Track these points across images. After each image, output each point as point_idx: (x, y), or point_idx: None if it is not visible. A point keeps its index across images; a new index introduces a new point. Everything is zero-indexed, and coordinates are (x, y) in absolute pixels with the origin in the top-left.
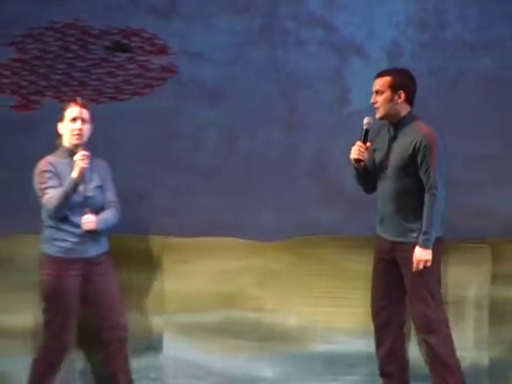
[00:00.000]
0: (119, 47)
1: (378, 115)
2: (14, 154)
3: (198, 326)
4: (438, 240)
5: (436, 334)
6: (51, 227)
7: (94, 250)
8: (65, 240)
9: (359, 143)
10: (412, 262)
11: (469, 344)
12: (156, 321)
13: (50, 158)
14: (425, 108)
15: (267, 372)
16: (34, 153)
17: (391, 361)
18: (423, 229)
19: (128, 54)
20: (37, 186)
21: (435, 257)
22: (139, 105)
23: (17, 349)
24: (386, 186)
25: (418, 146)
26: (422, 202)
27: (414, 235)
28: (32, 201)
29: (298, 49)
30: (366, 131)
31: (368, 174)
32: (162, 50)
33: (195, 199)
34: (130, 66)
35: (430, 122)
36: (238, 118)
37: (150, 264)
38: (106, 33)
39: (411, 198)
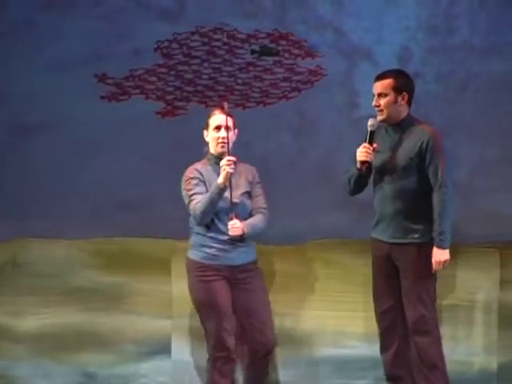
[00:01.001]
0: (266, 51)
1: (380, 118)
2: (17, 159)
3: None
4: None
5: (429, 335)
6: (198, 234)
7: (241, 258)
8: (211, 247)
9: (366, 145)
10: (412, 263)
11: (478, 349)
12: (164, 324)
13: (197, 165)
14: (434, 112)
15: (277, 376)
16: (34, 157)
17: (399, 364)
18: (438, 229)
19: (275, 58)
20: (184, 192)
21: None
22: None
23: (23, 353)
24: (388, 186)
25: (425, 145)
26: (425, 203)
27: (416, 236)
28: (37, 205)
29: (249, 67)
30: (372, 133)
31: (368, 176)
32: (310, 53)
33: None
34: (277, 70)
35: (439, 127)
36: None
37: (158, 268)
38: (253, 37)
39: (414, 198)
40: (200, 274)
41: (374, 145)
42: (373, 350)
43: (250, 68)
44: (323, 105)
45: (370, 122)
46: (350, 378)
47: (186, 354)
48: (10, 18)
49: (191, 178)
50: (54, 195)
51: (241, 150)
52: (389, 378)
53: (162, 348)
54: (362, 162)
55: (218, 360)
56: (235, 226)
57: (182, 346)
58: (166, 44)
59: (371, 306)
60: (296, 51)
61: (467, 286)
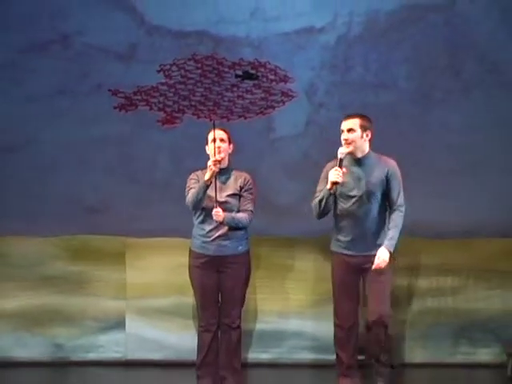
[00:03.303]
0: (248, 76)
1: (348, 150)
2: (0, 173)
3: (154, 309)
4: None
5: (387, 328)
6: (195, 225)
7: (226, 249)
8: (198, 238)
9: (338, 168)
10: (384, 269)
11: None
12: (120, 305)
13: (197, 171)
14: (335, 137)
15: None
16: (15, 171)
17: (354, 362)
18: (392, 236)
19: (255, 82)
20: (185, 190)
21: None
22: (113, 131)
23: (5, 327)
24: (359, 210)
25: (390, 174)
26: (386, 220)
27: None
28: (17, 209)
29: (233, 88)
30: (341, 160)
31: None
32: (283, 79)
33: (153, 207)
34: (256, 91)
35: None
36: (184, 142)
37: (114, 259)
38: (238, 64)
39: (379, 217)
40: (191, 260)
41: (344, 169)
42: (288, 324)
43: (234, 89)
44: (245, 128)
45: (340, 150)
46: (268, 347)
47: (137, 328)
48: None
49: (190, 179)
50: (29, 200)
51: (173, 166)
52: (343, 375)
53: (118, 324)
54: (334, 183)
55: (200, 327)
56: (218, 214)
57: (134, 322)
58: (168, 67)
59: (289, 289)
60: (272, 77)
61: None
